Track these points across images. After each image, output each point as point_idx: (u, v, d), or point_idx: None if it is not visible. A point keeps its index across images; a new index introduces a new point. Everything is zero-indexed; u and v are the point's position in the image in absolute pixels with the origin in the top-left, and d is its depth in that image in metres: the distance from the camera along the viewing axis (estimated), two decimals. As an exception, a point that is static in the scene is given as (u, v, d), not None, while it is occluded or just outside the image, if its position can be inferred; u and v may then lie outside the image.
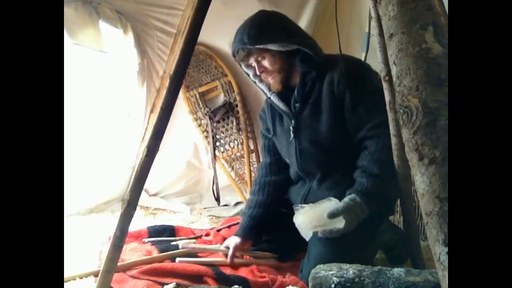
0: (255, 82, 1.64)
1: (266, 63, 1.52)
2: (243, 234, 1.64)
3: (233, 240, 1.63)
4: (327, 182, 1.55)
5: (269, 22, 1.53)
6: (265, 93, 1.63)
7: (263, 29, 1.49)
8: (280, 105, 1.59)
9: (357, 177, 1.43)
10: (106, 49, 2.13)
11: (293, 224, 1.66)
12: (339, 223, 1.31)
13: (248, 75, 1.64)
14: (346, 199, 1.37)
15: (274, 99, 1.60)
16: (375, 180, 1.38)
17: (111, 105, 2.42)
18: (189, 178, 2.67)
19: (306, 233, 1.42)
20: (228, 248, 1.62)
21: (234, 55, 1.58)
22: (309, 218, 1.38)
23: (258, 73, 1.54)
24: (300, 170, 1.60)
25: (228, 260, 1.59)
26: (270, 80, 1.55)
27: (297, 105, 1.55)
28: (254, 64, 1.55)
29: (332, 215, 1.32)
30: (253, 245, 1.67)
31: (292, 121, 1.56)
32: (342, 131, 1.49)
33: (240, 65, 1.65)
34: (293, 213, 1.66)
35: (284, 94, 1.59)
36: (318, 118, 1.51)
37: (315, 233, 1.40)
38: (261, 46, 1.48)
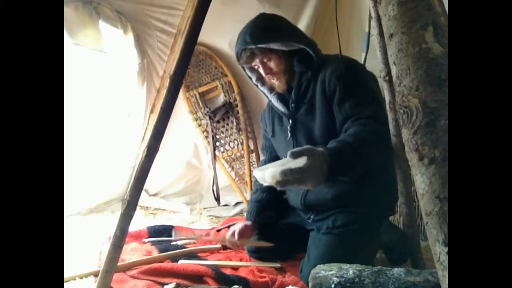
0: (257, 86, 1.67)
1: (272, 64, 1.54)
2: (249, 218, 1.68)
3: (240, 224, 1.67)
4: None
5: (271, 23, 1.55)
6: (267, 96, 1.65)
7: (264, 29, 1.51)
8: (279, 106, 1.61)
9: (329, 143, 1.35)
10: (106, 49, 2.13)
11: (293, 224, 1.67)
12: (301, 162, 1.23)
13: (251, 78, 1.67)
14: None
15: (274, 101, 1.63)
16: (346, 147, 1.31)
17: (111, 105, 2.42)
18: (189, 178, 2.67)
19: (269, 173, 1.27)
20: (233, 234, 1.64)
21: (238, 58, 1.58)
22: (275, 166, 1.31)
23: (264, 74, 1.55)
24: None
25: (227, 237, 1.63)
26: (275, 81, 1.57)
27: (293, 105, 1.57)
28: (259, 66, 1.55)
29: (295, 154, 1.24)
30: (258, 229, 1.68)
31: (290, 121, 1.58)
32: (335, 129, 1.48)
33: (244, 69, 1.66)
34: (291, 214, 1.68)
35: (283, 95, 1.61)
36: (313, 117, 1.52)
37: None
38: (263, 46, 1.49)
